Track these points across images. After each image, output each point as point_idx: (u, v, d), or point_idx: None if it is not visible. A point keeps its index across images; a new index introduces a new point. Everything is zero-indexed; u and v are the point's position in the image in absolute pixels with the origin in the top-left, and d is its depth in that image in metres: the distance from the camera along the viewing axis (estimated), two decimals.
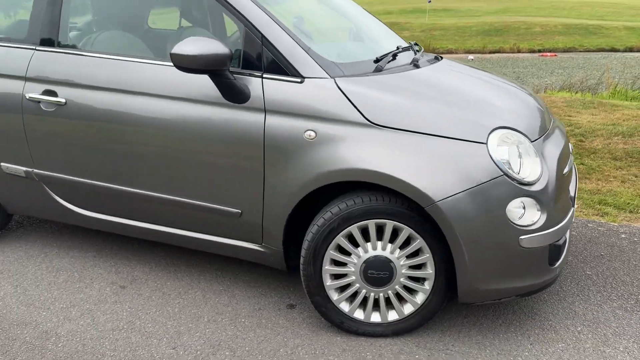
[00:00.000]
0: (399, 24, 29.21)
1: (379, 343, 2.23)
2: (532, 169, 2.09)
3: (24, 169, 2.76)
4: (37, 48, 2.64)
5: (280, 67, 2.22)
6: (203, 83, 2.29)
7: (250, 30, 2.26)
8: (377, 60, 2.41)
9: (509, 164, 2.05)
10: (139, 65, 2.44)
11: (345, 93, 2.15)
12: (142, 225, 2.63)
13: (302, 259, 2.23)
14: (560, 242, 2.17)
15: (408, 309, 2.24)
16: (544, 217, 2.08)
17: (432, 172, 2.03)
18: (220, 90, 2.24)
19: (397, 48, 2.68)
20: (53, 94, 2.56)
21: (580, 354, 2.16)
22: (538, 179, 2.08)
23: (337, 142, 2.12)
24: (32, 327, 2.34)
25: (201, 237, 2.52)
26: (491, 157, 2.04)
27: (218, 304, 2.51)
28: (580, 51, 26.33)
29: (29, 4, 2.74)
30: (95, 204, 2.70)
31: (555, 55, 24.95)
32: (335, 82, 2.18)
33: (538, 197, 2.07)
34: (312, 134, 2.14)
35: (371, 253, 2.18)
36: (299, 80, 2.20)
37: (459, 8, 42.96)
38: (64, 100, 2.53)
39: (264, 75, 2.24)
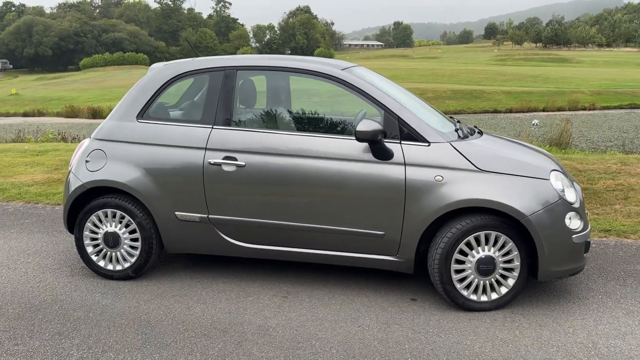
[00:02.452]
0: None
1: (489, 314, 3.38)
2: (572, 194, 3.42)
3: (200, 215, 3.65)
4: (214, 127, 3.63)
5: (412, 136, 3.42)
6: (359, 147, 3.43)
7: (389, 113, 3.46)
8: (456, 130, 3.69)
9: (563, 192, 3.38)
10: (310, 138, 3.56)
11: (460, 151, 3.38)
12: (298, 250, 3.62)
13: (436, 261, 3.36)
14: (589, 239, 3.50)
15: (503, 290, 3.43)
16: (582, 224, 3.40)
17: (521, 197, 3.29)
18: (373, 152, 3.39)
19: (456, 121, 4.02)
20: (233, 159, 3.54)
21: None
22: (576, 200, 3.41)
23: (458, 182, 3.32)
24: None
25: (348, 255, 3.56)
26: (554, 188, 3.35)
27: (362, 304, 3.53)
28: (469, 113, 30.00)
29: (199, 94, 3.78)
30: (257, 237, 3.64)
31: (451, 117, 28.22)
32: (451, 144, 3.41)
33: (577, 211, 3.40)
34: (440, 178, 3.33)
35: (482, 254, 3.36)
36: (427, 144, 3.41)
37: None
38: (243, 163, 3.52)
39: (402, 142, 3.42)
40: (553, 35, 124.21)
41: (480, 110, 30.76)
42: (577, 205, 3.42)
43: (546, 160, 3.63)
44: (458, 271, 3.41)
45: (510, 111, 30.56)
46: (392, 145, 3.42)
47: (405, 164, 3.39)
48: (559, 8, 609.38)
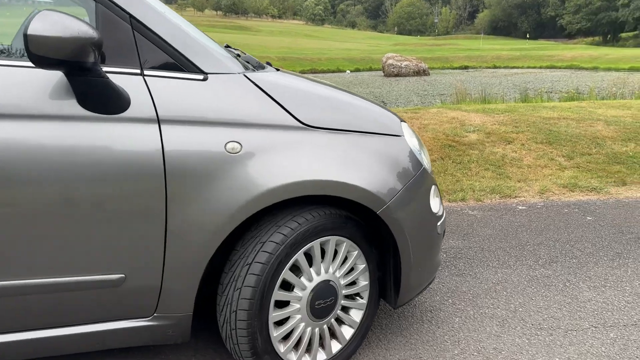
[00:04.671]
0: None
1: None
2: (425, 156, 2.13)
3: None
4: None
5: (169, 62, 1.60)
6: (43, 84, 1.44)
7: (111, 9, 1.54)
8: (238, 57, 2.00)
9: (421, 154, 2.05)
10: None
11: (264, 90, 1.71)
12: None
13: (241, 314, 1.67)
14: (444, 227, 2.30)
15: (347, 332, 1.96)
16: (440, 203, 2.16)
17: (374, 172, 1.84)
18: (79, 95, 1.45)
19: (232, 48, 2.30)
20: None
21: None
22: (430, 168, 2.14)
23: (269, 151, 1.66)
24: None
25: (31, 338, 1.57)
26: (412, 149, 1.99)
27: None
28: None
29: None
30: None
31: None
32: (247, 77, 1.71)
33: (436, 185, 2.14)
34: (237, 145, 1.62)
35: (316, 279, 1.81)
36: (201, 77, 1.63)
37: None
38: None
39: (147, 74, 1.56)
40: (232, 4, 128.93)
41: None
42: (433, 176, 2.15)
43: (378, 105, 2.24)
44: (280, 323, 1.80)
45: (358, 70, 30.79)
46: (124, 82, 1.54)
47: (159, 121, 1.55)
48: None
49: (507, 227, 3.57)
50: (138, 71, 1.55)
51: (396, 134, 1.95)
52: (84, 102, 1.45)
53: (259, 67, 1.93)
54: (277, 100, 1.71)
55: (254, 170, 1.62)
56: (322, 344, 1.89)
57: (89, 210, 1.47)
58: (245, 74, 1.72)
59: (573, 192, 4.44)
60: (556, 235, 3.40)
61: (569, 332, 2.24)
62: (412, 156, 1.97)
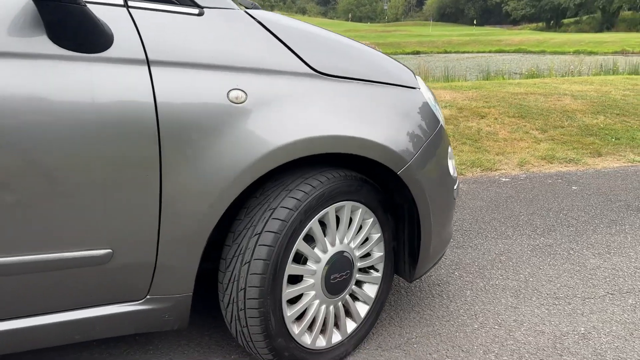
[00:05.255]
0: None
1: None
2: (441, 112, 1.94)
3: None
4: None
5: None
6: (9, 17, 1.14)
7: None
8: None
9: (436, 109, 1.85)
10: None
11: (269, 29, 1.45)
12: None
13: (251, 292, 1.42)
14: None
15: (362, 309, 1.75)
16: (454, 168, 1.97)
17: (394, 127, 1.62)
18: (50, 28, 1.16)
19: None
20: None
21: None
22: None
23: (280, 100, 1.41)
24: None
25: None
26: (428, 103, 1.79)
27: None
28: None
29: None
30: None
31: None
32: (248, 13, 1.45)
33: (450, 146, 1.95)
34: (242, 94, 1.36)
35: (331, 251, 1.59)
36: (195, 10, 1.36)
37: None
38: None
39: (130, 4, 1.29)
40: None
41: None
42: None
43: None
44: (292, 301, 1.57)
45: None
46: (104, 13, 1.25)
47: (148, 63, 1.27)
48: None
49: (496, 198, 3.44)
50: (121, 2, 1.27)
51: (412, 86, 1.74)
52: (55, 37, 1.17)
53: (253, 7, 1.67)
54: (286, 42, 1.46)
55: (262, 124, 1.37)
56: (336, 324, 1.67)
57: (66, 173, 1.19)
58: (247, 10, 1.46)
59: (552, 163, 4.38)
60: (547, 205, 3.29)
61: (587, 300, 2.11)
62: (430, 111, 1.77)
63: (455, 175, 1.93)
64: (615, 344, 1.81)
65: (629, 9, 64.65)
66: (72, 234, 1.23)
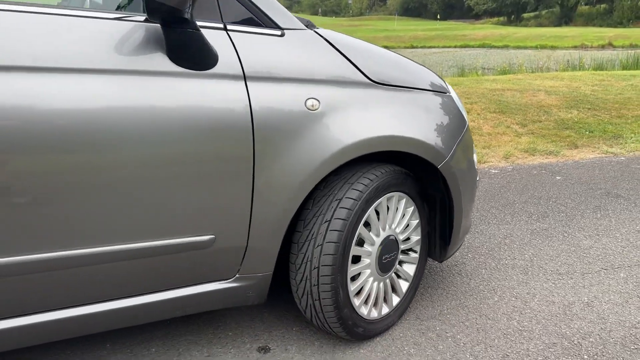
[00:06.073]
0: None
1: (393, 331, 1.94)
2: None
3: None
4: None
5: (249, 17, 1.55)
6: (133, 37, 1.36)
7: None
8: None
9: (464, 111, 2.13)
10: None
11: (334, 45, 1.70)
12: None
13: (324, 269, 1.67)
14: None
15: (404, 286, 2.02)
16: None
17: (434, 128, 1.89)
18: (172, 50, 1.39)
19: None
20: None
21: None
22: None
23: (346, 108, 1.66)
24: None
25: (118, 307, 1.50)
26: (458, 107, 2.06)
27: None
28: None
29: None
30: None
31: None
32: (317, 32, 1.70)
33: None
34: (315, 102, 1.61)
35: (383, 235, 1.85)
36: (279, 32, 1.60)
37: None
38: None
39: (230, 29, 1.52)
40: None
41: None
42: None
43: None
44: (353, 278, 1.83)
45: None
46: (210, 36, 1.48)
47: (245, 78, 1.51)
48: None
49: (490, 188, 3.76)
50: (221, 26, 1.50)
51: (446, 92, 2.01)
52: (175, 57, 1.39)
53: (311, 24, 1.91)
54: (348, 56, 1.71)
55: (332, 127, 1.62)
56: (384, 298, 1.94)
57: (179, 169, 1.42)
58: (315, 29, 1.70)
59: (534, 156, 4.73)
60: (537, 194, 3.63)
61: (586, 275, 2.43)
62: (459, 112, 2.04)
63: (477, 164, 2.21)
64: (614, 310, 2.13)
65: (586, 4, 66.76)
66: (184, 223, 1.46)
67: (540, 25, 65.51)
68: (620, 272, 2.46)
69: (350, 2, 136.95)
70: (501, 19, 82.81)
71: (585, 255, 2.64)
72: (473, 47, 36.84)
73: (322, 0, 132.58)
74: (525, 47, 32.70)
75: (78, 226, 1.32)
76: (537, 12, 75.52)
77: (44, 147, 1.23)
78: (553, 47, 30.77)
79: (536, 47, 31.80)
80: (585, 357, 1.83)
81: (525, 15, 78.80)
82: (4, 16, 1.23)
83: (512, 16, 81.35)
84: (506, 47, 34.96)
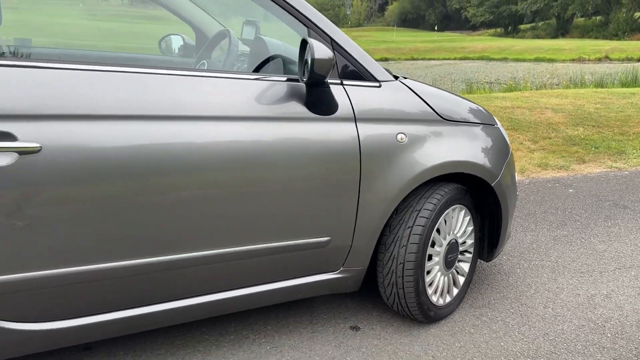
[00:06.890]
0: None
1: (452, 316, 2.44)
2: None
3: None
4: None
5: (355, 72, 2.06)
6: (282, 95, 1.87)
7: (318, 34, 1.99)
8: None
9: (507, 139, 2.64)
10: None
11: (416, 92, 2.21)
12: (178, 304, 1.84)
13: (409, 264, 2.17)
14: None
15: (461, 279, 2.52)
16: None
17: (487, 153, 2.40)
18: (310, 102, 1.90)
19: None
20: (9, 137, 1.46)
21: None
22: None
23: (424, 140, 2.17)
24: None
25: (257, 291, 2.01)
26: (504, 135, 2.57)
27: (291, 347, 2.08)
28: None
29: None
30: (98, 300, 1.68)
31: None
32: (403, 83, 2.20)
33: None
34: (403, 136, 2.11)
35: (448, 238, 2.35)
36: (377, 85, 2.11)
37: None
38: (37, 145, 1.49)
39: (345, 83, 2.02)
40: None
41: None
42: None
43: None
44: (428, 272, 2.32)
45: None
46: (333, 89, 1.99)
47: (355, 120, 2.01)
48: None
49: None
50: (339, 81, 2.00)
51: (494, 124, 2.52)
52: (311, 106, 1.89)
53: (395, 76, 2.42)
54: (425, 100, 2.22)
55: (415, 154, 2.12)
56: (447, 289, 2.43)
57: (307, 186, 1.92)
58: (401, 80, 2.21)
59: (546, 170, 5.24)
60: (554, 204, 4.13)
61: (603, 273, 2.93)
62: (505, 141, 2.55)
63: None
64: (629, 300, 2.62)
65: (582, 16, 67.77)
66: (312, 227, 1.96)
67: (537, 36, 66.51)
68: (631, 271, 2.95)
69: (348, 13, 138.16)
70: (498, 30, 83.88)
71: (601, 257, 3.14)
72: (473, 59, 37.59)
73: (320, 11, 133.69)
74: (524, 60, 33.44)
75: (246, 227, 1.83)
76: (533, 24, 76.63)
77: (225, 168, 1.74)
78: (551, 60, 31.52)
79: (534, 60, 32.52)
80: (609, 335, 2.32)
81: (522, 26, 79.88)
82: (184, 79, 1.73)
83: (509, 28, 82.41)
84: (505, 59, 35.72)
